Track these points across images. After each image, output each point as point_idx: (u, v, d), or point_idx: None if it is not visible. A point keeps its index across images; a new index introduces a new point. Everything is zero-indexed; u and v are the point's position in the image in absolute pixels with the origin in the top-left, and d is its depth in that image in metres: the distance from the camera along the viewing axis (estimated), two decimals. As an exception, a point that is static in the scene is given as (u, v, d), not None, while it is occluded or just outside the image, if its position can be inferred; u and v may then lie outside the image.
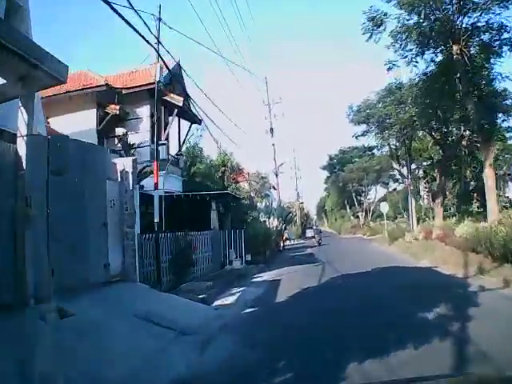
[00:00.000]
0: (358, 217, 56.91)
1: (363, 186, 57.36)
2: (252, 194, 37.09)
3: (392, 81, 23.41)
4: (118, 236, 10.16)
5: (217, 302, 10.07)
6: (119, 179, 10.49)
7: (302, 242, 45.17)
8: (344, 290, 10.19)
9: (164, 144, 19.88)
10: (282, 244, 29.91)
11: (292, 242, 45.38)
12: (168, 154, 21.37)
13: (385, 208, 29.26)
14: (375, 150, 55.05)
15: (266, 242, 20.80)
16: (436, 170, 39.73)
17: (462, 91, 17.10)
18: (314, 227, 51.86)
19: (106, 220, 9.56)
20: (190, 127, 22.19)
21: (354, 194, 58.88)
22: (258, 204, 28.67)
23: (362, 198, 61.58)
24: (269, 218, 23.91)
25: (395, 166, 26.53)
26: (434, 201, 37.38)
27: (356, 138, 27.29)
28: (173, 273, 12.24)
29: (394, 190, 62.84)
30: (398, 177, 62.38)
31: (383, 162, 55.24)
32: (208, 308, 9.27)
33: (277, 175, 31.81)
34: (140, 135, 20.03)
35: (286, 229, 30.15)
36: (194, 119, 21.96)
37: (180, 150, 22.20)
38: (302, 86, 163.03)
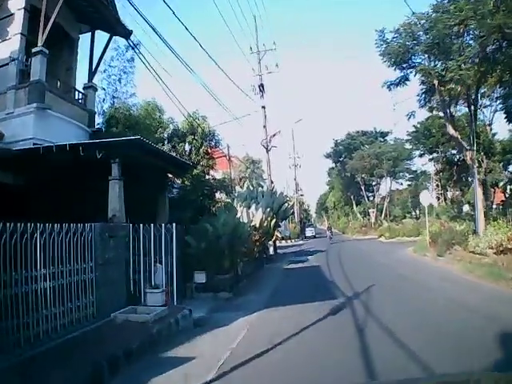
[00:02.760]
0: (368, 214, 47.31)
1: (375, 178, 47.54)
2: (233, 176, 27.73)
3: None
4: None
5: None
6: None
7: (301, 243, 35.76)
8: None
9: (40, 53, 10.39)
10: (272, 248, 20.47)
11: (289, 242, 35.96)
12: (70, 85, 11.89)
13: (426, 198, 19.62)
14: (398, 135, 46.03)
15: (238, 247, 11.36)
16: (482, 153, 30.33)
17: None
18: (327, 225, 43.03)
19: None
20: (108, 41, 12.60)
21: (363, 188, 49.23)
22: (238, 188, 19.22)
23: (371, 194, 52.05)
24: (249, 207, 14.49)
25: (451, 131, 16.99)
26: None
27: (388, 88, 17.77)
28: None
29: (409, 185, 53.57)
30: (414, 168, 53.04)
31: (399, 148, 45.80)
32: None
33: (267, 149, 22.30)
34: (8, 45, 10.84)
35: (279, 225, 20.60)
36: (117, 29, 12.47)
37: (91, 80, 12.68)
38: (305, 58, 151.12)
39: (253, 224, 14.04)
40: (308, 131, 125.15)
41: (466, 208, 40.78)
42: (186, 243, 11.06)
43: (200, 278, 10.40)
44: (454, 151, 41.39)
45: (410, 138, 41.49)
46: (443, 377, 2.46)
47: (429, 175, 53.19)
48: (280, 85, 78.50)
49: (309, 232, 45.74)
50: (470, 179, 46.29)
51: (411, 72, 17.51)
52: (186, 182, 14.97)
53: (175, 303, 8.20)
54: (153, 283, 8.15)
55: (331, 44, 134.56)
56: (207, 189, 13.70)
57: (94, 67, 12.66)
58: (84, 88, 12.40)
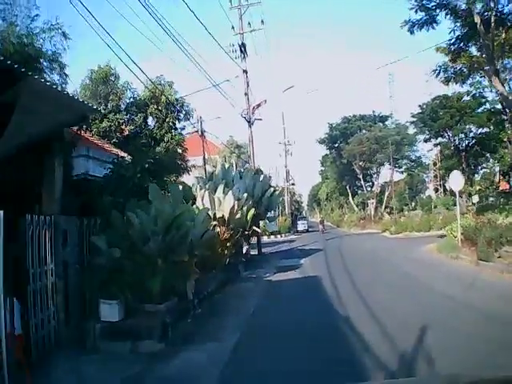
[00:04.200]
0: (367, 205, 42.89)
1: (374, 165, 42.91)
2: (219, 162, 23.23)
3: None
4: None
5: None
6: None
7: (293, 238, 31.24)
8: None
9: None
10: (247, 249, 15.75)
11: (278, 237, 31.47)
12: None
13: (457, 180, 14.87)
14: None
15: (182, 255, 6.67)
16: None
17: None
18: (319, 218, 38.75)
19: None
20: None
21: (361, 176, 44.63)
22: (208, 167, 14.55)
23: (368, 184, 47.62)
24: (214, 190, 9.84)
25: (498, 86, 12.47)
26: None
27: (410, 31, 13.31)
28: None
29: (409, 174, 49.27)
30: (418, 155, 48.32)
31: (403, 131, 41.29)
32: None
33: (250, 123, 17.65)
34: None
35: (262, 218, 15.83)
36: None
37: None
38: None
39: (219, 216, 9.43)
40: (301, 118, 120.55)
41: (475, 199, 36.21)
42: (93, 248, 6.47)
43: (109, 312, 5.77)
44: (463, 135, 37.20)
45: (414, 119, 36.94)
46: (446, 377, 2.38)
47: (426, 166, 49.26)
48: (273, 73, 73.59)
49: (301, 226, 41.03)
50: (479, 167, 42.33)
51: (440, 11, 13.04)
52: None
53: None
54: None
55: (328, 36, 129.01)
56: (151, 162, 9.01)
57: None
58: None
